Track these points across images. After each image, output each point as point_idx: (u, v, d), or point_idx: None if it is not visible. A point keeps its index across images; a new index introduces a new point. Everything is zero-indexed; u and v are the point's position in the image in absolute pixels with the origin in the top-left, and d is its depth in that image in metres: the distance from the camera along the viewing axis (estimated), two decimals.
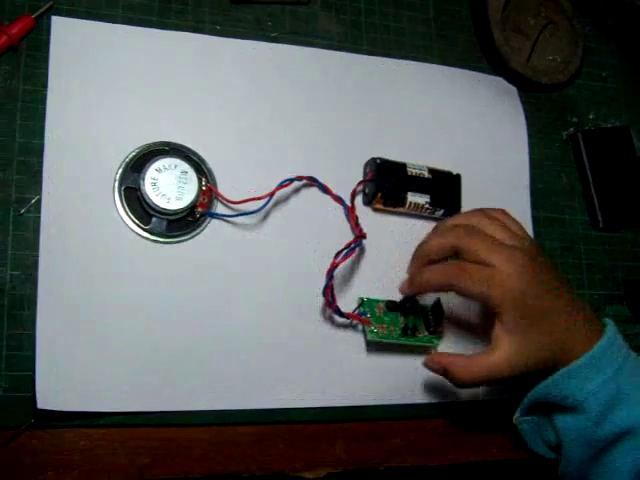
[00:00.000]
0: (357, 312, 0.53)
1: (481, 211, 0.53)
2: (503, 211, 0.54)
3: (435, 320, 0.55)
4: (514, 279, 0.48)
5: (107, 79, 0.52)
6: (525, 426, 0.54)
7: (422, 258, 0.52)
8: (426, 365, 0.52)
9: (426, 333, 0.55)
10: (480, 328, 0.56)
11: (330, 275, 0.51)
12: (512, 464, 0.57)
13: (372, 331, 0.53)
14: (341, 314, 0.52)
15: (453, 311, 0.57)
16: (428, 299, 0.56)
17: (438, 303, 0.55)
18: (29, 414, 0.46)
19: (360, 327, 0.54)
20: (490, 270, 0.49)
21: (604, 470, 0.50)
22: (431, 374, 0.52)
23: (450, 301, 0.56)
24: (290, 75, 0.58)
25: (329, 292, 0.51)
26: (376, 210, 0.57)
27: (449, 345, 0.56)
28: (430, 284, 0.51)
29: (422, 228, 0.58)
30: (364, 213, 0.57)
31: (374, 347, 0.54)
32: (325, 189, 0.55)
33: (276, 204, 0.54)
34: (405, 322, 0.54)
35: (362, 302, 0.54)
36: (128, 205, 0.51)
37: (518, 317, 0.49)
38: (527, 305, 0.49)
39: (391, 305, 0.54)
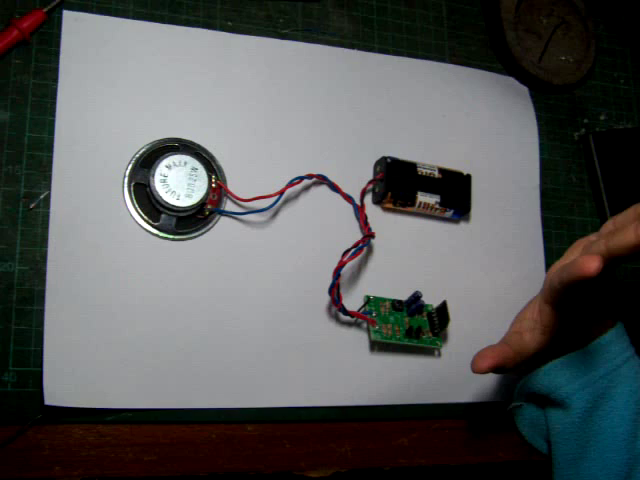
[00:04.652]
0: (363, 310, 0.53)
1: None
2: None
3: (440, 322, 0.55)
4: None
5: (118, 74, 0.52)
6: (520, 418, 0.54)
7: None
8: (477, 371, 0.48)
9: (430, 335, 0.55)
10: (484, 330, 0.56)
11: (337, 274, 0.50)
12: (518, 466, 0.57)
13: (376, 331, 0.53)
14: (346, 312, 0.52)
15: (458, 313, 0.56)
16: (434, 301, 0.55)
17: (444, 305, 0.54)
18: (37, 410, 0.46)
19: (366, 326, 0.54)
20: None
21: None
22: (436, 375, 0.53)
23: (454, 303, 0.56)
24: (301, 72, 0.57)
25: (335, 291, 0.51)
26: (386, 209, 0.57)
27: (452, 347, 0.56)
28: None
29: (431, 228, 0.58)
30: (374, 212, 0.56)
31: (378, 347, 0.54)
32: (335, 188, 0.55)
33: (286, 202, 0.54)
34: (410, 324, 0.54)
35: (368, 300, 0.54)
36: (137, 201, 0.51)
37: None
38: None
39: (397, 305, 0.54)
